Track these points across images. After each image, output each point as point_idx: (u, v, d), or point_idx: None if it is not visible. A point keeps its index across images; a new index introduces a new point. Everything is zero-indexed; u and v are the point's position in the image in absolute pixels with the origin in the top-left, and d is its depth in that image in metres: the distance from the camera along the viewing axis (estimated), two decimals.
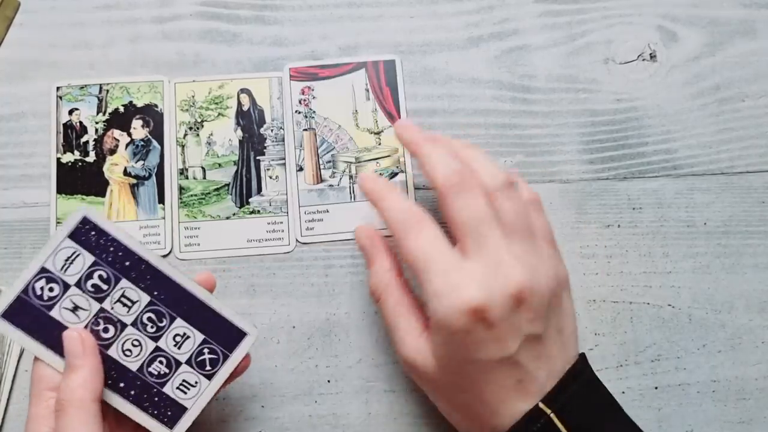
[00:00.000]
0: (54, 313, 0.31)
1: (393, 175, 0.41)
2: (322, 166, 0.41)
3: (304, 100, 0.42)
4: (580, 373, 0.32)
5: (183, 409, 0.32)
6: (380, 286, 0.35)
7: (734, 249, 0.41)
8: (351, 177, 0.41)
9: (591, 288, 0.40)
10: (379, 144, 0.42)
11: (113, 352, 0.32)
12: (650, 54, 0.43)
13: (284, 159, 0.41)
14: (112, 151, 0.41)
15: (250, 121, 0.42)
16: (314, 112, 0.42)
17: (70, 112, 0.42)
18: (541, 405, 0.30)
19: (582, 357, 0.33)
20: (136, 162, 0.41)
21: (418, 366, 0.33)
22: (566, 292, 0.34)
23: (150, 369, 0.32)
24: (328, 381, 0.39)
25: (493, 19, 0.43)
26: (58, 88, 0.42)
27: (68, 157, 0.41)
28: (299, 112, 0.42)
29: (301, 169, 0.41)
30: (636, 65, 0.43)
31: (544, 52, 0.43)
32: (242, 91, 0.42)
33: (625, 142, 0.42)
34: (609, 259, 0.40)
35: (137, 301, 0.32)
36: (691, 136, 0.42)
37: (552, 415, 0.30)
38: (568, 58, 0.43)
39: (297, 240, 0.40)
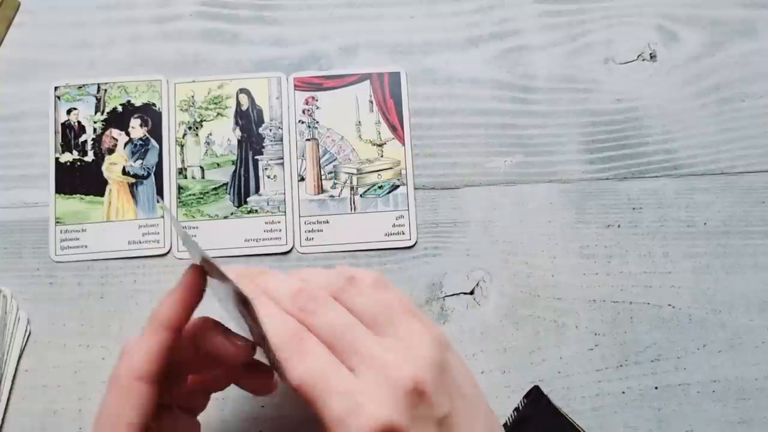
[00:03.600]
0: None
1: (394, 187, 0.41)
2: (323, 177, 0.41)
3: (308, 110, 0.42)
4: (539, 399, 0.30)
5: None
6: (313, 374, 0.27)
7: (734, 249, 0.41)
8: (352, 188, 0.41)
9: (591, 288, 0.40)
10: (381, 156, 0.41)
11: None
12: (650, 54, 0.43)
13: (282, 159, 0.41)
14: (111, 151, 0.41)
15: (248, 120, 0.41)
16: (317, 122, 0.42)
17: (69, 112, 0.42)
18: None
19: (536, 388, 0.31)
20: (134, 161, 0.41)
21: None
22: (449, 353, 0.30)
23: None
24: None
25: (493, 19, 0.43)
26: (56, 88, 0.42)
27: (67, 157, 0.41)
28: (302, 122, 0.42)
29: (302, 179, 0.41)
30: (636, 65, 0.43)
31: (544, 52, 0.43)
32: (241, 91, 0.42)
33: (625, 142, 0.42)
34: (609, 259, 0.40)
35: None
36: (692, 136, 0.42)
37: None
38: (568, 58, 0.43)
39: (297, 250, 0.40)
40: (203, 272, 0.30)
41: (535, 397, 0.32)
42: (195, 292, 0.30)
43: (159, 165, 0.41)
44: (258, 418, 0.38)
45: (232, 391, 0.38)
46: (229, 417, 0.38)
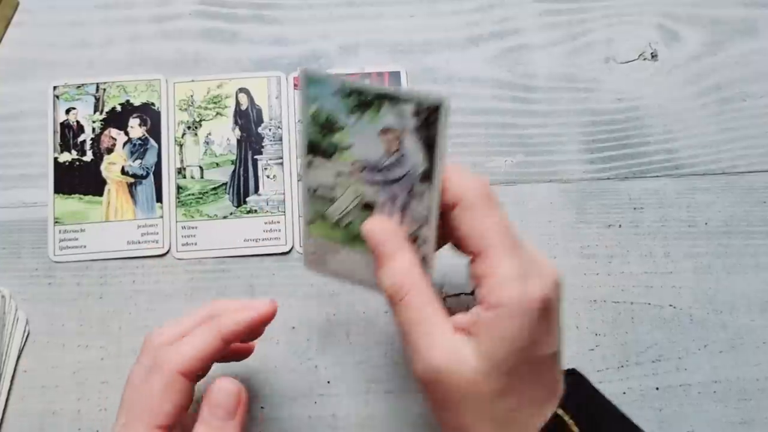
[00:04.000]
0: None
1: None
2: None
3: None
4: (581, 380, 0.32)
5: None
6: (404, 286, 0.30)
7: (735, 249, 0.41)
8: None
9: (592, 288, 0.40)
10: None
11: None
12: (651, 53, 0.43)
13: (282, 158, 0.41)
14: (110, 150, 0.41)
15: (248, 120, 0.41)
16: None
17: (67, 112, 0.41)
18: (560, 411, 0.29)
19: (573, 370, 0.32)
20: (133, 161, 0.41)
21: (452, 371, 0.28)
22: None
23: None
24: (328, 382, 0.39)
25: (494, 18, 0.43)
26: (54, 88, 0.42)
27: (65, 157, 0.41)
28: (302, 122, 0.41)
29: (301, 178, 0.41)
30: (637, 64, 0.43)
31: (544, 52, 0.43)
32: (240, 90, 0.42)
33: (626, 142, 0.42)
34: (610, 259, 0.40)
35: None
36: (693, 135, 0.42)
37: (566, 418, 0.29)
38: (569, 57, 0.43)
39: (297, 250, 0.40)
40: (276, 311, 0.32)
41: (576, 378, 0.32)
42: (263, 323, 0.32)
43: (158, 165, 0.41)
44: (258, 419, 0.38)
45: None
46: None
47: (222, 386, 0.29)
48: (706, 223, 0.41)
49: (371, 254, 0.31)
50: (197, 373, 0.30)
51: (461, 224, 0.29)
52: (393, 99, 0.28)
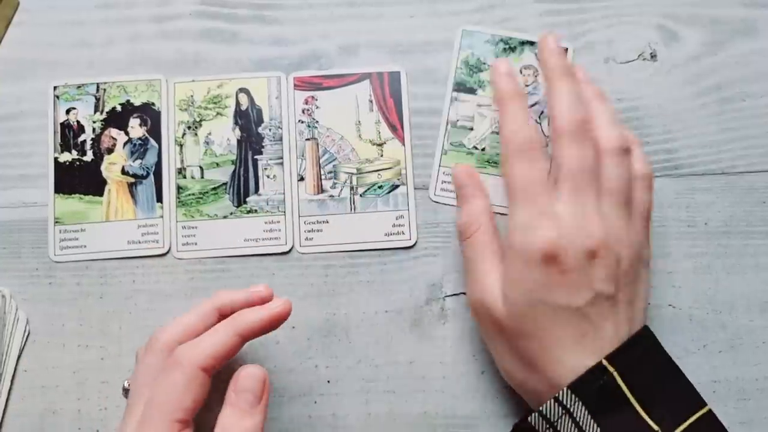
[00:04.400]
0: None
1: (394, 187, 0.41)
2: (323, 177, 0.41)
3: (308, 110, 0.42)
4: (645, 338, 0.33)
5: None
6: (472, 225, 0.35)
7: (735, 249, 0.41)
8: (352, 188, 0.41)
9: None
10: (381, 155, 0.41)
11: None
12: (651, 53, 0.43)
13: (282, 158, 0.41)
14: (110, 150, 0.41)
15: (248, 120, 0.41)
16: (317, 121, 0.42)
17: (68, 112, 0.41)
18: (605, 362, 0.30)
19: (646, 327, 0.33)
20: (133, 161, 0.41)
21: (487, 306, 0.33)
22: (645, 270, 0.34)
23: None
24: (328, 381, 0.39)
25: (494, 18, 0.43)
26: (55, 88, 0.42)
27: (66, 157, 0.41)
28: (302, 122, 0.41)
29: (302, 178, 0.41)
30: (636, 64, 0.43)
31: None
32: (241, 90, 0.42)
33: None
34: None
35: None
36: (692, 135, 0.42)
37: (615, 374, 0.30)
38: (569, 57, 0.43)
39: (297, 250, 0.40)
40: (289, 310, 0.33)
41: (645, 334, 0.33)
42: (279, 321, 0.33)
43: (158, 165, 0.41)
44: None
45: None
46: None
47: (249, 372, 0.31)
48: (705, 223, 0.41)
49: (499, 176, 0.39)
50: (216, 368, 0.31)
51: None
52: (532, 44, 0.41)
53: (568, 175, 0.32)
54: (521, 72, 0.41)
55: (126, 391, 0.34)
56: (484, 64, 0.41)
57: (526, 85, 0.41)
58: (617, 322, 0.32)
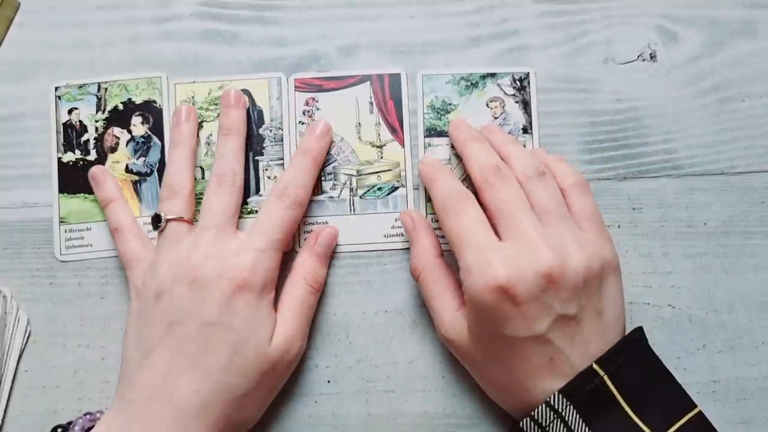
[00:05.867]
0: None
1: (394, 189, 0.41)
2: (323, 178, 0.41)
3: (308, 112, 0.42)
4: (634, 341, 0.33)
5: None
6: (419, 265, 0.37)
7: (734, 249, 0.41)
8: (351, 190, 0.41)
9: None
10: (381, 157, 0.41)
11: None
12: (650, 54, 0.43)
13: (282, 159, 0.41)
14: (113, 149, 0.41)
15: (248, 121, 0.41)
16: None
17: (70, 112, 0.42)
18: (595, 366, 0.31)
19: (639, 329, 0.33)
20: (137, 159, 0.41)
21: (455, 341, 0.35)
22: (612, 276, 0.34)
23: None
24: (328, 381, 0.39)
25: (493, 19, 0.43)
26: (56, 88, 0.42)
27: (69, 157, 0.41)
28: (303, 123, 0.42)
29: None
30: (636, 65, 0.43)
31: (543, 52, 0.43)
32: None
33: (625, 143, 0.42)
34: None
35: None
36: (691, 136, 0.42)
37: (605, 377, 0.31)
38: (568, 58, 0.43)
39: (297, 250, 0.40)
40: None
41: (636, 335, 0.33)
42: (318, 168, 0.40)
43: (162, 162, 0.41)
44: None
45: None
46: None
47: (327, 229, 0.39)
48: (704, 224, 0.41)
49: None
50: (285, 243, 0.37)
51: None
52: (493, 76, 0.41)
53: (500, 213, 0.33)
54: (488, 105, 0.41)
55: None
56: (450, 104, 0.41)
57: (495, 117, 0.41)
58: (587, 339, 0.32)
